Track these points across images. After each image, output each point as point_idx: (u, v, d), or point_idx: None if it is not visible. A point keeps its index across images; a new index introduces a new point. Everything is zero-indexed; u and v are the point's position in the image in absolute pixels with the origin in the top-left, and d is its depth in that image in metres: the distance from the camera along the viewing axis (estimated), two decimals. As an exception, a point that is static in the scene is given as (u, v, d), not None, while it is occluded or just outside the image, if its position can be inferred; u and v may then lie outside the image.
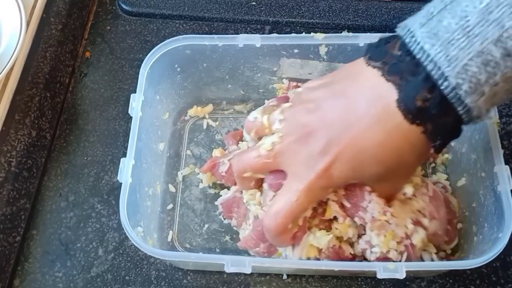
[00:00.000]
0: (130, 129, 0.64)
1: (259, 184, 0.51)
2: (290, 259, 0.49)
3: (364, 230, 0.48)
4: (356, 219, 0.48)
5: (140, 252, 0.57)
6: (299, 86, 0.54)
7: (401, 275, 0.45)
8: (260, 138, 0.50)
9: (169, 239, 0.57)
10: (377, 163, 0.43)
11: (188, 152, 0.62)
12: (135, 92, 0.55)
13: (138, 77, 0.57)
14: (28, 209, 0.59)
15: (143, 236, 0.51)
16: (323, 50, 0.57)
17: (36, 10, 0.67)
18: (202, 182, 0.60)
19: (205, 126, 0.64)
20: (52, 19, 0.68)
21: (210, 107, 0.64)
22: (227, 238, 0.57)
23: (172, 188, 0.60)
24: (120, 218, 0.48)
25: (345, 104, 0.43)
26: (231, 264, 0.46)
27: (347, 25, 0.69)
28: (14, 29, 0.60)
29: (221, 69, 0.62)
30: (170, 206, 0.59)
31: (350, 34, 0.56)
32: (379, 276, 0.45)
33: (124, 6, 0.74)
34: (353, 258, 0.50)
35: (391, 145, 0.42)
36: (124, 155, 0.62)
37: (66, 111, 0.66)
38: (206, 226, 0.58)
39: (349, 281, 0.54)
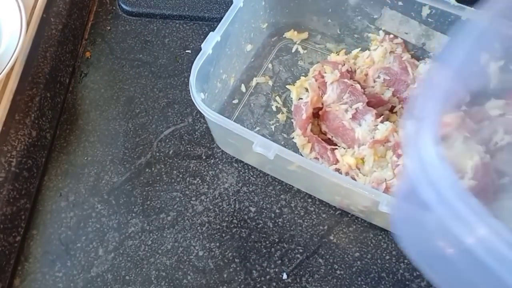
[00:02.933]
0: (130, 129, 0.65)
1: None
2: (306, 160, 0.52)
3: None
4: None
5: (140, 252, 0.57)
6: (394, 39, 0.61)
7: None
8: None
9: None
10: None
11: (270, 65, 0.69)
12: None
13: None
14: (28, 209, 0.59)
15: (202, 101, 0.55)
16: (425, 12, 0.60)
17: (36, 10, 0.67)
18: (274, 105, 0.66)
19: (293, 50, 0.70)
20: (52, 19, 0.68)
21: (305, 35, 0.70)
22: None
23: (243, 88, 0.66)
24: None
25: None
26: (259, 145, 0.51)
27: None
28: (14, 29, 0.61)
29: None
30: (235, 101, 0.66)
31: (457, 4, 0.58)
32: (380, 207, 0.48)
33: (124, 6, 0.74)
34: None
35: None
36: (125, 154, 0.63)
37: (66, 111, 0.67)
38: (257, 128, 0.64)
39: (349, 281, 0.55)
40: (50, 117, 0.64)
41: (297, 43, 0.70)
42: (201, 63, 0.56)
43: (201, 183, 0.61)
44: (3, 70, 0.58)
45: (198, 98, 0.54)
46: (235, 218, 0.59)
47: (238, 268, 0.56)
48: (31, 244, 0.58)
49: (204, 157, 0.63)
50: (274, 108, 0.65)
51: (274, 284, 0.55)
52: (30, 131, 0.61)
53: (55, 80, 0.66)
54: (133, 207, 0.59)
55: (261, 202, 0.59)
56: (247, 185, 0.61)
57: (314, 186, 0.58)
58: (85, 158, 0.63)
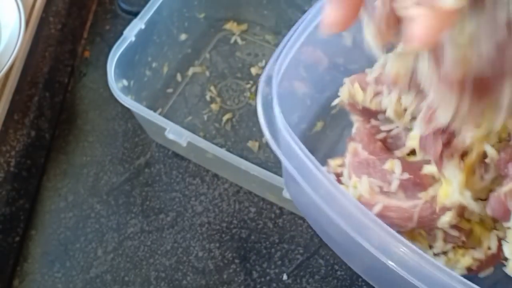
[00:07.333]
0: (129, 129, 0.64)
1: None
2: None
3: None
4: None
5: (139, 253, 0.57)
6: None
7: None
8: None
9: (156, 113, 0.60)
10: None
11: (208, 55, 0.68)
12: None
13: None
14: (27, 209, 0.59)
15: (124, 88, 0.55)
16: None
17: (35, 10, 0.67)
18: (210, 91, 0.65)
19: (232, 41, 0.69)
20: (52, 19, 0.68)
21: (244, 26, 0.69)
22: (201, 134, 0.62)
23: (179, 77, 0.66)
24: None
25: None
26: (172, 132, 0.53)
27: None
28: (13, 29, 0.60)
29: None
30: (170, 90, 0.65)
31: None
32: None
33: (123, 6, 0.74)
34: None
35: None
36: (124, 155, 0.63)
37: (65, 111, 0.66)
38: (189, 118, 0.64)
39: (349, 281, 0.54)
40: (49, 117, 0.64)
41: (236, 34, 0.69)
42: (121, 50, 0.56)
43: (200, 183, 0.61)
44: (2, 69, 0.57)
45: (114, 84, 0.54)
46: (235, 218, 0.58)
47: (238, 269, 0.56)
48: (30, 244, 0.58)
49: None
50: (208, 98, 0.65)
51: (274, 285, 0.55)
52: (29, 131, 0.61)
53: (54, 80, 0.66)
54: (132, 207, 0.59)
55: (261, 203, 0.59)
56: (247, 185, 0.60)
57: (234, 174, 0.58)
58: (84, 158, 0.63)
